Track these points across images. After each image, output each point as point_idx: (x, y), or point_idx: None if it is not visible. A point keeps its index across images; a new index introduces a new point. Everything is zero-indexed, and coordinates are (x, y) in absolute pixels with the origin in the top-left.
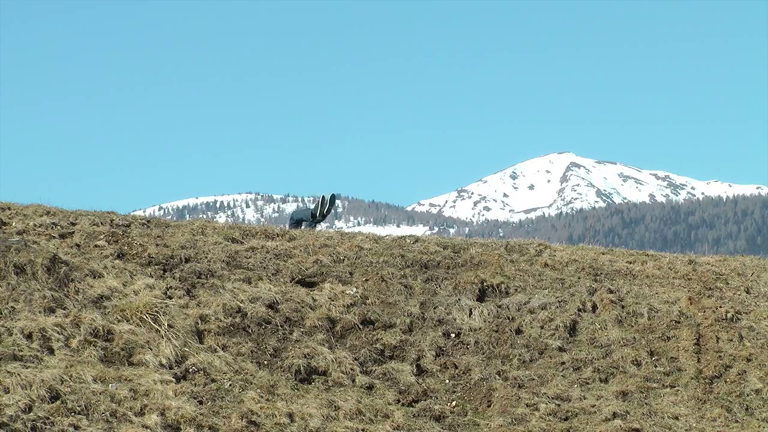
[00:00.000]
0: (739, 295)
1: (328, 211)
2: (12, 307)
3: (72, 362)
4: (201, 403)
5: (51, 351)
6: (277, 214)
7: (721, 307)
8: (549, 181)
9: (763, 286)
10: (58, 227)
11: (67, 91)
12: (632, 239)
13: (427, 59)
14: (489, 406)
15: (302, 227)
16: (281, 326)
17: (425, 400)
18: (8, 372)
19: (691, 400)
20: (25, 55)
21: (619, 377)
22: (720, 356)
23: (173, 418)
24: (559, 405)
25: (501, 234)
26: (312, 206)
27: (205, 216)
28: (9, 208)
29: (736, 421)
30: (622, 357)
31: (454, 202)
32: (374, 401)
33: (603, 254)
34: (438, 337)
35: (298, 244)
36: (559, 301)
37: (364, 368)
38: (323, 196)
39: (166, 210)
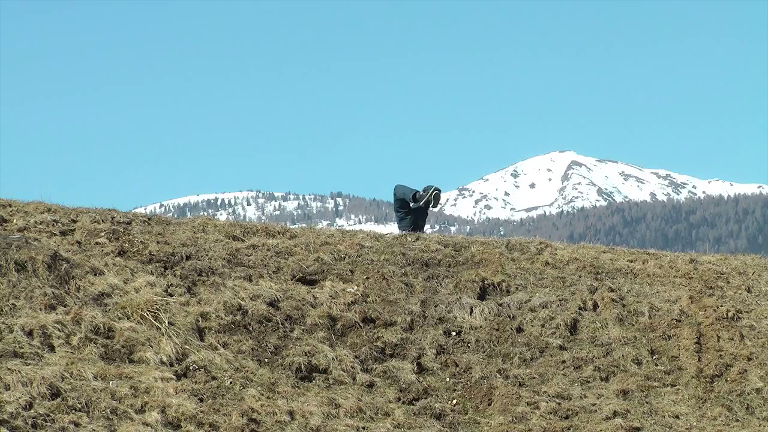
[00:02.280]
0: (740, 294)
1: (427, 204)
2: (13, 304)
3: (72, 359)
4: (201, 400)
5: (52, 348)
6: (278, 212)
7: (722, 305)
8: (550, 179)
9: (764, 285)
10: (59, 224)
11: (67, 88)
12: (633, 238)
13: (428, 58)
14: (489, 404)
15: (413, 205)
16: (282, 324)
17: (426, 398)
18: (9, 369)
19: (692, 398)
20: (26, 53)
21: (620, 376)
22: (721, 355)
23: (174, 415)
24: (559, 403)
25: (502, 232)
26: (421, 191)
27: (206, 213)
28: (10, 206)
29: (737, 420)
30: (622, 356)
31: (455, 200)
32: (375, 399)
33: (604, 253)
34: (439, 335)
35: (299, 242)
36: (560, 300)
37: (365, 366)
38: (436, 193)
39: (167, 207)
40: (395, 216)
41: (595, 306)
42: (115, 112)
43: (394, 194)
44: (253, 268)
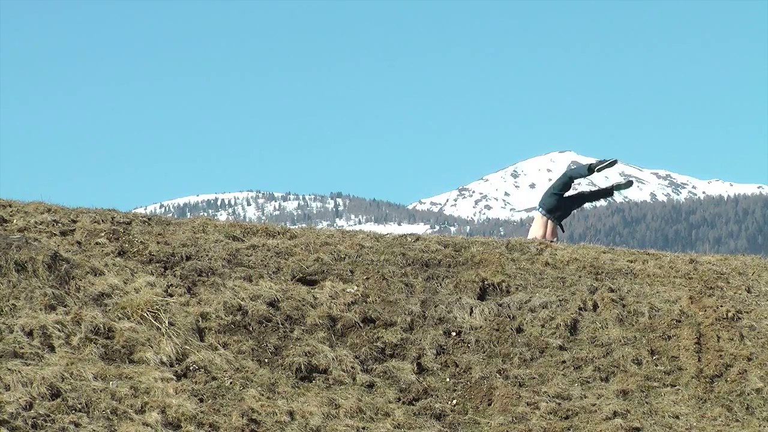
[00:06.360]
0: (740, 294)
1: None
2: (13, 304)
3: (73, 360)
4: (202, 400)
5: (52, 348)
6: (278, 212)
7: (722, 306)
8: (550, 179)
9: (764, 286)
10: (59, 225)
11: (68, 88)
12: (633, 238)
13: (428, 58)
14: (489, 404)
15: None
16: (282, 324)
17: (426, 398)
18: (9, 369)
19: (692, 399)
20: (26, 53)
21: (620, 376)
22: (721, 355)
23: (174, 415)
24: (559, 404)
25: (502, 233)
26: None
27: (206, 214)
28: (10, 206)
29: (737, 420)
30: (622, 356)
31: (455, 200)
32: (375, 399)
33: (604, 253)
34: (439, 335)
35: (299, 242)
36: (560, 300)
37: (365, 366)
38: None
39: (167, 208)
40: (548, 195)
41: (595, 306)
42: (116, 112)
43: (565, 173)
44: (253, 268)
